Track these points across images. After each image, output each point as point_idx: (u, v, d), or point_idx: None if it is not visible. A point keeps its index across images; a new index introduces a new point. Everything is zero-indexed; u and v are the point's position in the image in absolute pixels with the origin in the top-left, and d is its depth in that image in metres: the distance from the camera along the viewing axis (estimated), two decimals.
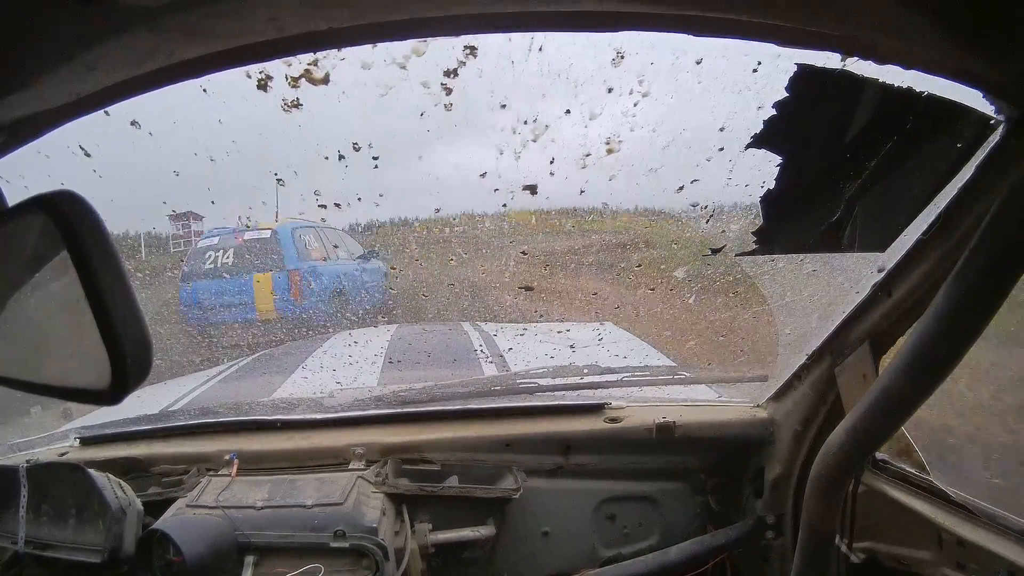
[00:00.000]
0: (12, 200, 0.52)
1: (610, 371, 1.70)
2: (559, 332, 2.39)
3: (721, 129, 1.05)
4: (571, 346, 2.06)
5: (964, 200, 0.82)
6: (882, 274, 1.01)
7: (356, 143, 1.26)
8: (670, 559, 1.41)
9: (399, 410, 1.57)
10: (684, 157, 1.24)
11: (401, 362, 2.43)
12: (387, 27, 0.55)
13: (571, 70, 1.06)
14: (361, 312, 4.53)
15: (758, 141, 0.86)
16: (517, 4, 0.53)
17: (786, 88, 0.79)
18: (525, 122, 1.18)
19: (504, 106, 1.17)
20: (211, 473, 1.39)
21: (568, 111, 1.16)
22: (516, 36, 0.77)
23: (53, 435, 1.69)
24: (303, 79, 0.77)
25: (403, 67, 0.78)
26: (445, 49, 0.73)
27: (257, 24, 0.49)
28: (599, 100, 1.11)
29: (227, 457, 1.41)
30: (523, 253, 2.77)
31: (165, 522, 1.21)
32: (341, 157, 1.32)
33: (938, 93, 0.72)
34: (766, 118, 0.83)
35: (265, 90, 0.77)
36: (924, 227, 0.89)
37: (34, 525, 1.28)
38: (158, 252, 5.64)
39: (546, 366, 1.77)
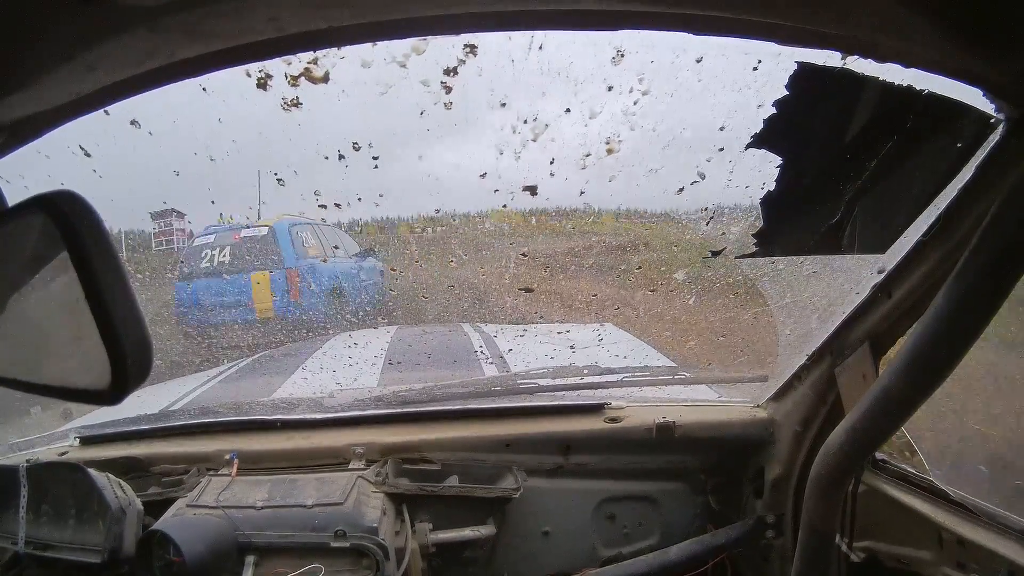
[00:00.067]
0: (12, 200, 0.52)
1: (610, 371, 1.70)
2: (559, 333, 2.39)
3: (721, 128, 1.05)
4: (571, 347, 2.06)
5: (964, 200, 0.82)
6: (882, 275, 1.01)
7: (356, 142, 1.26)
8: (670, 559, 1.41)
9: (399, 410, 1.57)
10: (684, 157, 1.24)
11: (401, 363, 2.43)
12: (387, 26, 0.55)
13: (571, 69, 1.06)
14: (360, 312, 4.52)
15: (758, 140, 0.86)
16: (517, 3, 0.53)
17: (786, 87, 0.79)
18: (525, 121, 1.18)
19: (504, 105, 1.17)
20: (211, 473, 1.39)
21: (568, 110, 1.16)
22: (516, 35, 0.76)
23: (53, 435, 1.69)
24: (303, 78, 0.77)
25: (403, 66, 0.78)
26: (445, 48, 0.73)
27: (257, 23, 0.49)
28: (599, 99, 1.11)
29: (227, 457, 1.41)
30: (523, 255, 2.78)
31: (165, 522, 1.21)
32: (341, 157, 1.32)
33: (938, 92, 0.72)
34: (766, 117, 0.83)
35: (265, 89, 0.77)
36: (924, 228, 0.89)
37: (34, 525, 1.28)
38: (142, 251, 5.59)
39: (546, 366, 1.77)
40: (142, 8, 0.43)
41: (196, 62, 0.54)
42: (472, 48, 0.78)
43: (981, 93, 0.63)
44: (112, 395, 0.50)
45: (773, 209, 0.95)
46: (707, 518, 1.56)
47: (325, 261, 4.89)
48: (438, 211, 2.67)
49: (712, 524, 1.55)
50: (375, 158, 1.31)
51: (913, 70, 0.61)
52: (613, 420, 1.51)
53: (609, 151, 1.18)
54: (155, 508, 1.31)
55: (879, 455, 1.18)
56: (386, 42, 0.61)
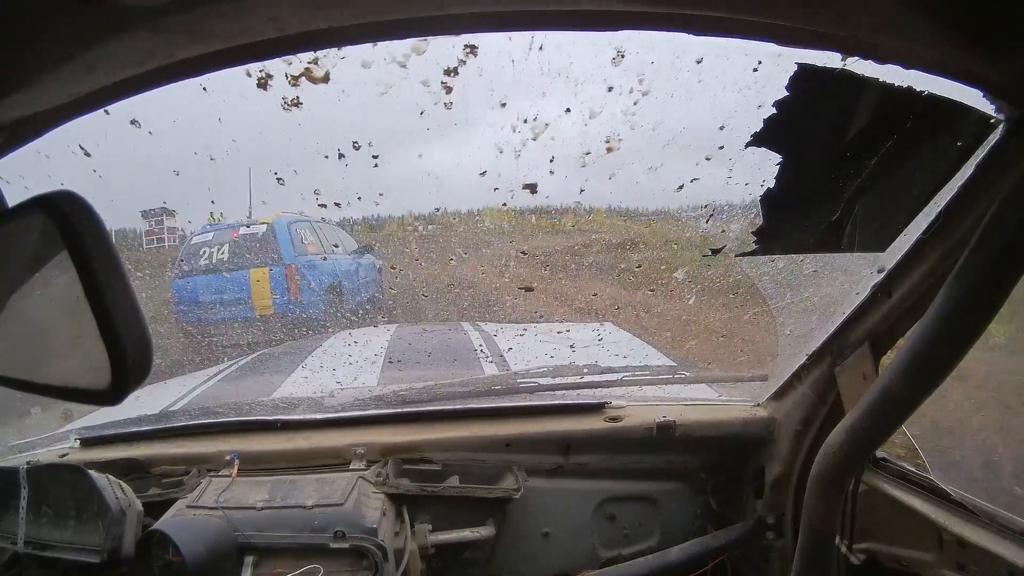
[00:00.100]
0: (12, 200, 0.52)
1: (610, 370, 1.70)
2: (559, 332, 2.40)
3: (721, 128, 1.05)
4: (571, 346, 2.06)
5: (964, 200, 0.82)
6: (882, 275, 1.01)
7: (356, 142, 1.26)
8: (670, 560, 1.41)
9: (399, 410, 1.57)
10: (684, 156, 1.24)
11: (401, 362, 2.43)
12: (387, 26, 0.55)
13: (571, 69, 1.06)
14: (359, 310, 4.51)
15: (758, 140, 0.86)
16: (517, 3, 0.53)
17: (786, 87, 0.79)
18: (525, 120, 1.18)
19: (504, 105, 1.17)
20: (211, 474, 1.39)
21: (568, 110, 1.16)
22: (516, 35, 0.77)
23: (53, 436, 1.69)
24: (303, 78, 0.76)
25: (403, 66, 0.78)
26: (445, 48, 0.73)
27: (257, 23, 0.49)
28: (599, 99, 1.11)
29: (227, 458, 1.41)
30: (523, 253, 2.78)
31: (165, 523, 1.21)
32: (341, 156, 1.32)
33: (938, 93, 0.72)
34: (766, 117, 0.83)
35: (265, 89, 0.77)
36: (924, 227, 0.89)
37: (34, 526, 1.28)
38: (133, 250, 5.56)
39: (546, 366, 1.77)
40: (142, 8, 0.43)
41: (196, 62, 0.54)
42: (472, 48, 0.77)
43: (981, 93, 0.63)
44: (112, 395, 0.50)
45: (773, 207, 0.95)
46: (707, 518, 1.57)
47: (325, 259, 4.88)
48: (438, 209, 2.67)
49: (712, 524, 1.55)
50: (375, 157, 1.31)
51: (913, 72, 0.61)
52: (613, 419, 1.51)
53: (609, 150, 1.18)
54: (155, 509, 1.31)
55: (879, 454, 1.19)
56: (386, 42, 0.61)
